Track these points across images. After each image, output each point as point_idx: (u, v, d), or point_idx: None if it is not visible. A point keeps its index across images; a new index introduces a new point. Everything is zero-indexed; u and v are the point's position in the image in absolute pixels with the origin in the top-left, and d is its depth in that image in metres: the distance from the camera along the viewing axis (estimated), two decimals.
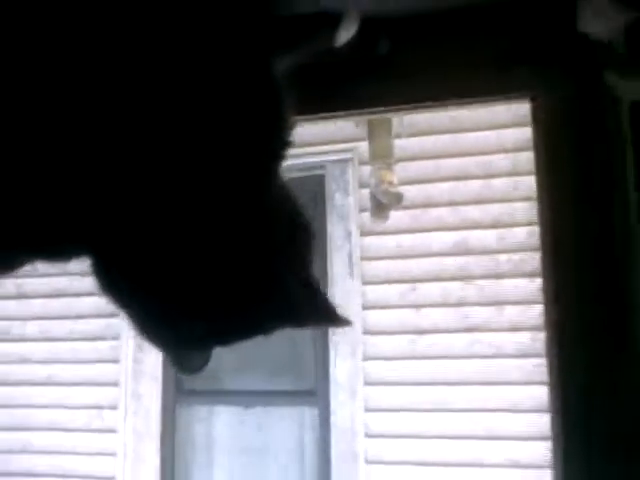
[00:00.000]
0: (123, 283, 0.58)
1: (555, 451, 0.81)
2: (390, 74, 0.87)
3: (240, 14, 0.62)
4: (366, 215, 2.94)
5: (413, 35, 0.86)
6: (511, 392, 2.79)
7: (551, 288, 0.82)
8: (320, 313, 0.63)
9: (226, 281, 0.58)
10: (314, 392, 3.19)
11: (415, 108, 0.92)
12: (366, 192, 2.89)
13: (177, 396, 3.47)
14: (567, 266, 0.82)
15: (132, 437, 3.35)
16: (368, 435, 3.01)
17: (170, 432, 3.42)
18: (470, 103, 0.90)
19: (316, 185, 3.31)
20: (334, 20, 0.76)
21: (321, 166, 3.31)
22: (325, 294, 0.65)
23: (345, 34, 0.78)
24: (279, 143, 0.63)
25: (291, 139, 0.64)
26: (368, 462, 2.99)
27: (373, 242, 3.14)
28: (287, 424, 3.25)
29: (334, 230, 3.23)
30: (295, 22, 0.71)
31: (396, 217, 2.81)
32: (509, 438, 2.76)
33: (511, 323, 2.84)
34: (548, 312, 0.82)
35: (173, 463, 3.38)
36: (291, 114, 0.65)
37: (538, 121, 0.86)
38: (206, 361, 0.65)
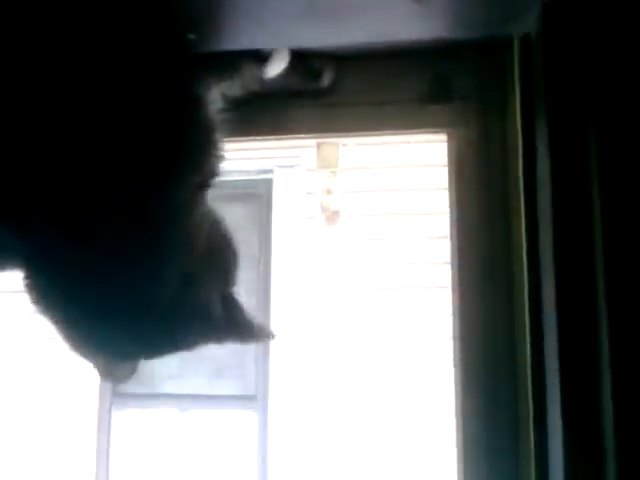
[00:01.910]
0: (53, 298, 0.61)
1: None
2: (332, 103, 0.94)
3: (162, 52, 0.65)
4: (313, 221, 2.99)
5: (353, 70, 0.95)
6: None
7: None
8: (242, 329, 0.68)
9: (150, 298, 0.62)
10: (254, 397, 3.22)
11: (352, 136, 0.98)
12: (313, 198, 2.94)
13: (113, 399, 3.44)
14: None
15: (67, 440, 3.30)
16: (308, 441, 3.05)
17: (106, 435, 3.39)
18: (397, 134, 0.96)
19: (264, 190, 3.35)
20: (261, 56, 0.81)
21: (269, 170, 3.34)
22: (246, 310, 0.69)
23: (275, 68, 0.85)
24: (203, 171, 0.67)
25: (216, 169, 0.68)
26: (306, 467, 3.03)
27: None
28: (226, 428, 3.26)
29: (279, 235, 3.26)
30: (219, 58, 0.76)
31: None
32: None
33: None
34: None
35: (108, 466, 3.35)
36: (219, 144, 0.69)
37: (451, 153, 0.92)
38: (133, 371, 0.69)
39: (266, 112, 0.95)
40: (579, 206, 0.68)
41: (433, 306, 2.91)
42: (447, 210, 0.94)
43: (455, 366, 0.90)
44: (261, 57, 0.83)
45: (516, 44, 0.78)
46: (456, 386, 0.90)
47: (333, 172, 2.69)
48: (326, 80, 0.94)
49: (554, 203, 0.67)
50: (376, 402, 2.99)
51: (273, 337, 0.69)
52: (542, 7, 0.66)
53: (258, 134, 0.97)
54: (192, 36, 0.72)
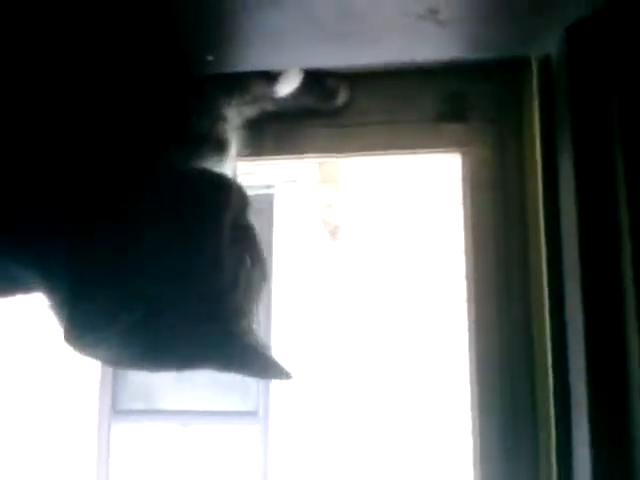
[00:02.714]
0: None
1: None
2: (347, 123, 0.93)
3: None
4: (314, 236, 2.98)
5: (367, 89, 0.93)
6: None
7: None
8: (258, 363, 0.68)
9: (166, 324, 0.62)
10: (256, 412, 3.20)
11: (366, 155, 0.97)
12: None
13: (113, 415, 3.42)
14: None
15: (66, 455, 3.27)
16: (310, 456, 3.02)
17: (105, 452, 3.36)
18: (412, 153, 0.95)
19: (265, 205, 3.34)
20: (272, 75, 0.81)
21: (270, 186, 3.33)
22: (264, 344, 0.69)
23: (286, 87, 0.84)
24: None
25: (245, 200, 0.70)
26: None
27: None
28: (227, 443, 3.24)
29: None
30: (228, 77, 0.76)
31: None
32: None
33: None
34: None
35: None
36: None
37: (466, 173, 0.91)
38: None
39: (280, 132, 0.94)
40: (606, 228, 0.66)
41: (436, 320, 2.90)
42: (455, 228, 0.93)
43: (470, 373, 0.88)
44: (272, 76, 0.82)
45: (535, 65, 0.77)
46: (472, 391, 0.88)
47: (335, 186, 2.69)
48: (341, 99, 0.93)
49: (580, 225, 0.66)
50: (380, 418, 2.97)
51: (289, 376, 0.68)
52: (565, 30, 0.65)
53: (271, 154, 0.95)
54: (210, 58, 0.72)
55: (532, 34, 0.67)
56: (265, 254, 0.75)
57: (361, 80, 0.93)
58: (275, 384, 3.06)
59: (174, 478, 3.27)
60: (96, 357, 0.65)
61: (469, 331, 0.89)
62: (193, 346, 0.64)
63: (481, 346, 0.87)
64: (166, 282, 0.61)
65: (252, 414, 3.18)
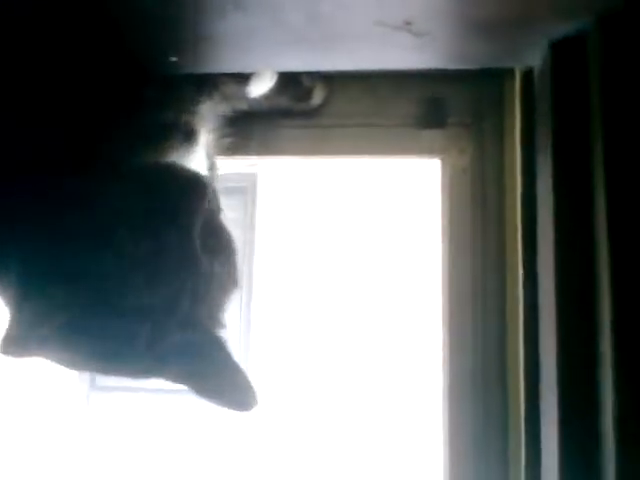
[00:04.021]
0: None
1: None
2: (322, 125, 0.91)
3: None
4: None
5: (344, 91, 0.91)
6: None
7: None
8: (228, 383, 0.65)
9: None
10: None
11: (340, 158, 0.95)
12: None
13: (90, 391, 3.41)
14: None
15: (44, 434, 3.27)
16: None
17: (84, 427, 3.36)
18: (389, 158, 0.93)
19: (249, 184, 3.30)
20: (245, 75, 0.78)
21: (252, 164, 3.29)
22: (237, 366, 0.65)
23: (259, 88, 0.82)
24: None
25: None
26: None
27: None
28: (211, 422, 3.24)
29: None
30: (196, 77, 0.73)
31: None
32: None
33: None
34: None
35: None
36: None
37: (445, 180, 0.89)
38: None
39: (253, 132, 0.91)
40: (582, 236, 0.64)
41: (408, 329, 2.89)
42: (431, 234, 0.91)
43: (443, 372, 0.87)
44: (244, 76, 0.79)
45: (518, 77, 0.74)
46: (443, 390, 0.87)
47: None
48: (316, 100, 0.90)
49: (556, 233, 0.64)
50: (349, 421, 2.97)
51: (255, 403, 0.64)
52: (550, 45, 0.62)
53: (245, 154, 0.93)
54: (174, 59, 0.68)
55: (514, 48, 0.65)
56: (237, 261, 0.72)
57: (338, 81, 0.90)
58: (255, 371, 3.06)
59: (157, 456, 3.27)
60: (46, 357, 0.62)
61: (443, 341, 0.87)
62: (152, 353, 0.60)
63: (454, 361, 0.85)
64: (123, 280, 0.58)
65: None
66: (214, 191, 0.72)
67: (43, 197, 0.59)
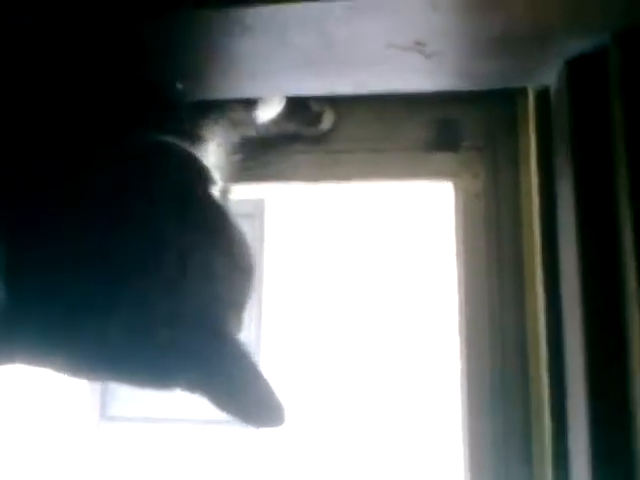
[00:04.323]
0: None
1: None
2: (331, 150, 0.89)
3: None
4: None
5: (354, 115, 0.89)
6: None
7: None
8: (248, 398, 0.57)
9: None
10: None
11: (350, 183, 0.92)
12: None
13: (100, 421, 3.37)
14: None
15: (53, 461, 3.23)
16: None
17: (93, 457, 3.32)
18: (400, 182, 0.91)
19: (256, 210, 3.30)
20: (252, 101, 0.76)
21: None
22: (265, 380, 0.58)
23: (267, 113, 0.80)
24: None
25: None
26: None
27: None
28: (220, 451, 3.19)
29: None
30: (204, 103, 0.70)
31: None
32: None
33: None
34: None
35: None
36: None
37: (458, 205, 0.86)
38: None
39: (261, 158, 0.89)
40: (609, 261, 0.61)
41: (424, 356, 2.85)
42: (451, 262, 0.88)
43: (461, 387, 0.84)
44: (252, 102, 0.77)
45: (531, 96, 0.72)
46: (462, 384, 0.84)
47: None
48: (325, 124, 0.88)
49: (581, 262, 0.61)
50: (374, 433, 2.93)
51: (281, 423, 0.57)
52: (566, 63, 0.60)
53: (253, 181, 0.91)
54: (179, 86, 0.67)
55: (527, 67, 0.62)
56: (252, 262, 0.65)
57: (347, 105, 0.88)
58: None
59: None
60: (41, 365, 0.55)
61: (461, 370, 0.84)
62: (163, 358, 0.54)
63: (472, 395, 0.82)
64: (114, 275, 0.53)
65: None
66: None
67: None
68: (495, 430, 0.80)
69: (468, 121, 0.86)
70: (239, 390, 0.56)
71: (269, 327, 3.12)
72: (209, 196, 0.62)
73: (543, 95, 0.69)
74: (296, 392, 3.01)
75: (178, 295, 0.54)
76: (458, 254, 0.87)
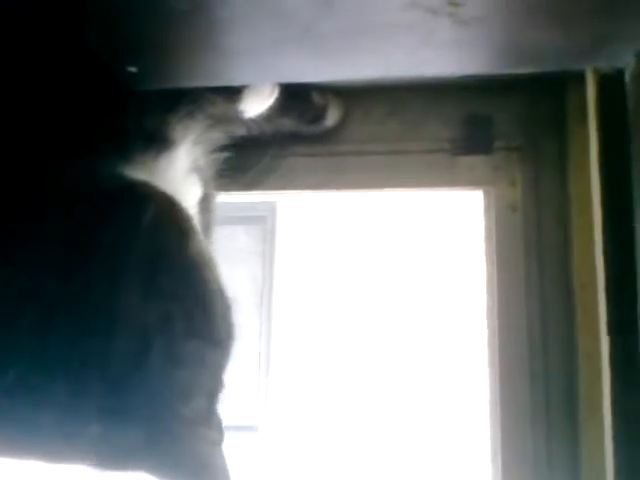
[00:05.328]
0: None
1: None
2: (337, 152, 0.76)
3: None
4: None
5: (364, 109, 0.76)
6: None
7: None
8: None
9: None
10: (255, 427, 3.05)
11: (359, 191, 0.81)
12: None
13: None
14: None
15: None
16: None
17: None
18: (419, 191, 0.79)
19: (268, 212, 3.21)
20: (234, 92, 0.64)
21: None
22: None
23: (256, 107, 0.68)
24: None
25: None
26: None
27: None
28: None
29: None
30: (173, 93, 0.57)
31: None
32: None
33: None
34: None
35: None
36: None
37: (489, 217, 0.72)
38: None
39: (253, 162, 0.76)
40: None
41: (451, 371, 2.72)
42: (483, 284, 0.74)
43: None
44: (235, 91, 0.65)
45: (592, 82, 0.57)
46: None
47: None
48: (330, 121, 0.75)
49: None
50: (381, 437, 2.81)
51: None
52: None
53: (246, 188, 0.78)
54: (132, 69, 0.52)
55: (594, 44, 0.47)
56: (231, 332, 0.54)
57: (356, 97, 0.75)
58: (275, 397, 2.91)
59: None
60: None
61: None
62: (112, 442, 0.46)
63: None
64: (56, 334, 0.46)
65: (251, 428, 3.04)
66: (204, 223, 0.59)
67: None
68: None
69: (504, 117, 0.72)
70: (194, 471, 0.49)
71: (280, 337, 3.02)
72: (185, 258, 0.52)
73: (611, 81, 0.54)
74: (308, 395, 2.91)
75: (139, 374, 0.46)
76: (490, 279, 0.72)
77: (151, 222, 0.48)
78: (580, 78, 0.61)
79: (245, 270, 3.24)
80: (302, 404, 2.92)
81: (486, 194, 0.73)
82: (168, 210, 0.51)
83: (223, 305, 0.51)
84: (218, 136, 0.68)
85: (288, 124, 0.74)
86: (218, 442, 0.50)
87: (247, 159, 0.76)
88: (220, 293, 0.52)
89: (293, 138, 0.76)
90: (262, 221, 3.17)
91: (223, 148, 0.69)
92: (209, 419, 0.50)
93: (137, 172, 0.51)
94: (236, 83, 0.61)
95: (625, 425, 0.55)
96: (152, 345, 0.46)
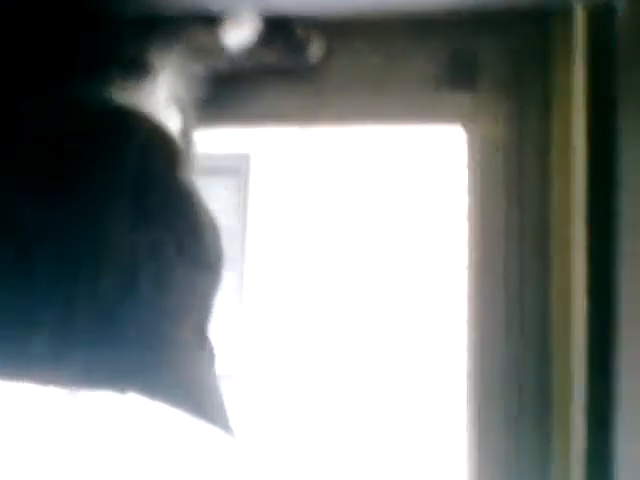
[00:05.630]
0: None
1: None
2: (321, 86, 0.75)
3: None
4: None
5: (348, 43, 0.75)
6: None
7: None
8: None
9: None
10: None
11: (343, 126, 0.82)
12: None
13: None
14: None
15: None
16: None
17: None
18: (402, 126, 0.80)
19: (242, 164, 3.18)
20: (214, 21, 0.64)
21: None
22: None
23: (236, 37, 0.67)
24: None
25: None
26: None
27: None
28: None
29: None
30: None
31: None
32: None
33: None
34: None
35: None
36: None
37: (472, 156, 0.72)
38: None
39: (237, 96, 0.75)
40: None
41: (427, 316, 2.76)
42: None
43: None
44: (216, 21, 0.64)
45: (582, 17, 0.56)
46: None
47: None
48: (313, 55, 0.74)
49: None
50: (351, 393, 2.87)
51: (230, 433, 0.50)
52: None
53: (228, 124, 0.77)
54: None
55: None
56: (220, 256, 0.54)
57: (340, 31, 0.73)
58: (250, 346, 2.94)
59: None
60: None
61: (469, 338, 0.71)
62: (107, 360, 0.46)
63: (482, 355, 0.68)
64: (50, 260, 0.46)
65: (226, 377, 3.09)
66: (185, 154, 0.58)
67: None
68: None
69: (488, 53, 0.71)
70: (190, 395, 0.49)
71: (251, 294, 3.03)
72: (174, 182, 0.52)
73: (600, 17, 0.53)
74: (281, 345, 2.94)
75: (128, 301, 0.47)
76: (470, 217, 0.73)
77: (140, 146, 0.47)
78: (568, 14, 0.61)
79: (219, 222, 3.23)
80: (276, 353, 2.94)
81: (469, 130, 0.73)
82: (157, 135, 0.51)
83: (212, 230, 0.51)
84: (198, 67, 0.68)
85: (270, 58, 0.72)
86: (210, 364, 0.50)
87: (228, 93, 0.74)
88: (209, 218, 0.52)
89: (275, 73, 0.74)
90: (236, 172, 3.15)
91: (203, 80, 0.69)
92: (201, 342, 0.50)
93: (120, 98, 0.50)
94: (215, 11, 0.60)
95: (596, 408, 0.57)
96: (142, 270, 0.46)
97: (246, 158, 3.18)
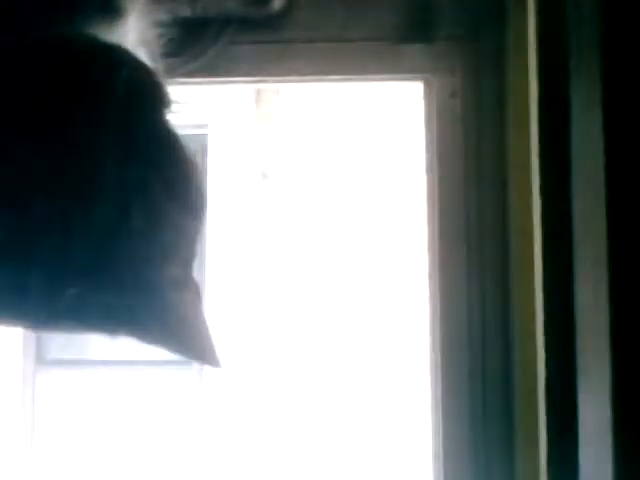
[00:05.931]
0: None
1: None
2: (283, 38, 0.75)
3: None
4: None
5: None
6: None
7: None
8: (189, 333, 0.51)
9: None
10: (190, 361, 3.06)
11: (306, 80, 0.80)
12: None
13: (37, 365, 3.23)
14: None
15: None
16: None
17: (30, 403, 3.19)
18: (363, 80, 0.79)
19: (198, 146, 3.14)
20: None
21: (203, 125, 3.12)
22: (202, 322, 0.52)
23: None
24: None
25: None
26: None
27: None
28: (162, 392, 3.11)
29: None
30: None
31: None
32: None
33: None
34: None
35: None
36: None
37: (430, 107, 0.73)
38: None
39: (200, 48, 0.74)
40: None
41: (376, 273, 2.77)
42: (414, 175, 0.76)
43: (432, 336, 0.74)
44: None
45: None
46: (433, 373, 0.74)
47: (272, 125, 2.48)
48: (276, 4, 0.73)
49: (610, 198, 0.46)
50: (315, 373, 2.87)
51: (218, 365, 0.51)
52: None
53: (188, 75, 0.75)
54: None
55: None
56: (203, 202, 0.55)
57: None
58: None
59: (106, 428, 3.13)
60: None
61: (431, 304, 0.74)
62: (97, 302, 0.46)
63: (446, 324, 0.71)
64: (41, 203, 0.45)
65: (187, 363, 3.05)
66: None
67: None
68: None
69: (445, 6, 0.72)
70: (180, 333, 0.50)
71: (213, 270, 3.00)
72: (160, 121, 0.52)
73: None
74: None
75: (121, 234, 0.47)
76: (429, 167, 0.74)
77: (126, 80, 0.47)
78: None
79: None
80: (239, 331, 2.92)
81: (427, 83, 0.74)
82: (141, 71, 0.50)
83: (196, 176, 0.52)
84: (163, 12, 0.67)
85: (233, 6, 0.72)
86: (197, 304, 0.50)
87: (192, 44, 0.73)
88: (193, 164, 0.52)
89: (238, 23, 0.74)
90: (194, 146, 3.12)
91: (168, 26, 0.68)
92: (187, 283, 0.50)
93: (101, 37, 0.50)
94: None
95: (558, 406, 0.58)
96: (132, 204, 0.46)
97: (203, 139, 3.15)
